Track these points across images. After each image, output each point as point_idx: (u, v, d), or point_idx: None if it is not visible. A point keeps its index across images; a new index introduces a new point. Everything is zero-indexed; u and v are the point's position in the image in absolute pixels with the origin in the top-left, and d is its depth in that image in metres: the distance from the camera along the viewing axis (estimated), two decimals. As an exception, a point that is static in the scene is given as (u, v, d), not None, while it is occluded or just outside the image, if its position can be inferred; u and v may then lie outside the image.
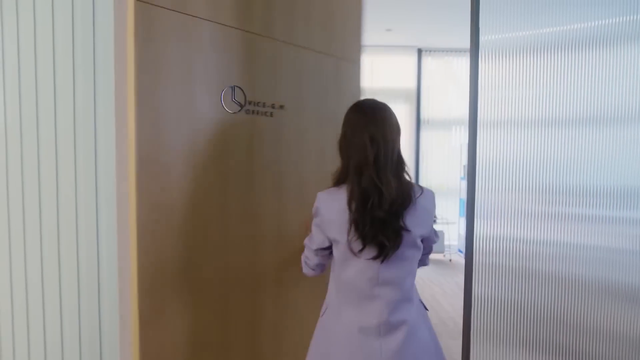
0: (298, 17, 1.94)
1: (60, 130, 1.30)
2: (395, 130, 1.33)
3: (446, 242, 6.45)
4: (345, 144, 1.30)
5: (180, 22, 1.42)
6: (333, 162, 1.38)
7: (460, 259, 6.29)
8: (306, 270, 1.46)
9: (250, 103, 1.69)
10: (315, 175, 2.00)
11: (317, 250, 1.38)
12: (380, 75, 6.76)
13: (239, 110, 1.65)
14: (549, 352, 1.92)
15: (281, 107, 1.82)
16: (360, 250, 1.27)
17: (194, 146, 1.53)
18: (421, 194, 1.35)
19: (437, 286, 5.12)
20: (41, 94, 1.29)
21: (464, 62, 6.74)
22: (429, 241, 1.48)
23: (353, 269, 1.31)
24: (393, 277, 1.32)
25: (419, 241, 1.35)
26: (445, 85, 6.83)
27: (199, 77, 1.53)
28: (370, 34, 6.12)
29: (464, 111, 6.98)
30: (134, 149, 1.26)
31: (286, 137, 1.90)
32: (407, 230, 1.27)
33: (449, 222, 6.48)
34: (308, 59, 1.97)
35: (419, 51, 6.69)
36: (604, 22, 1.77)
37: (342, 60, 2.17)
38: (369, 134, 1.26)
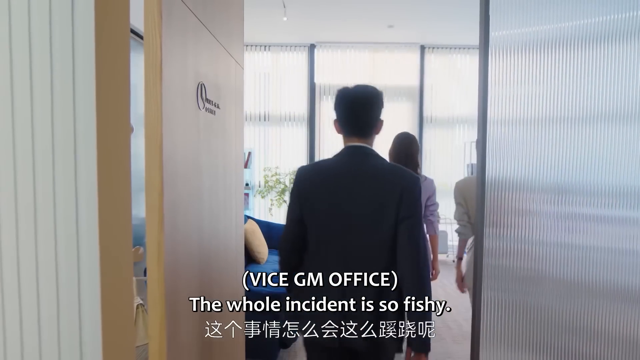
0: (221, 11, 1.87)
1: (38, 129, 1.23)
2: None
3: (449, 243, 6.37)
4: None
5: (180, 11, 1.36)
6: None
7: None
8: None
9: (207, 101, 1.63)
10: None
11: None
12: (383, 72, 6.69)
13: (203, 108, 1.58)
14: (561, 358, 1.85)
15: (217, 105, 1.74)
16: None
17: (193, 146, 1.47)
18: None
19: (440, 288, 5.06)
20: (17, 91, 1.23)
21: (468, 59, 6.65)
22: None
23: None
24: None
25: None
26: (449, 82, 6.75)
27: (190, 73, 1.46)
28: (372, 30, 6.04)
29: (467, 109, 6.89)
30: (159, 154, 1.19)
31: (222, 136, 1.87)
32: None
33: (452, 222, 6.39)
34: (223, 57, 1.89)
35: (422, 48, 6.61)
36: (621, 15, 1.68)
37: (238, 65, 2.13)
38: None
